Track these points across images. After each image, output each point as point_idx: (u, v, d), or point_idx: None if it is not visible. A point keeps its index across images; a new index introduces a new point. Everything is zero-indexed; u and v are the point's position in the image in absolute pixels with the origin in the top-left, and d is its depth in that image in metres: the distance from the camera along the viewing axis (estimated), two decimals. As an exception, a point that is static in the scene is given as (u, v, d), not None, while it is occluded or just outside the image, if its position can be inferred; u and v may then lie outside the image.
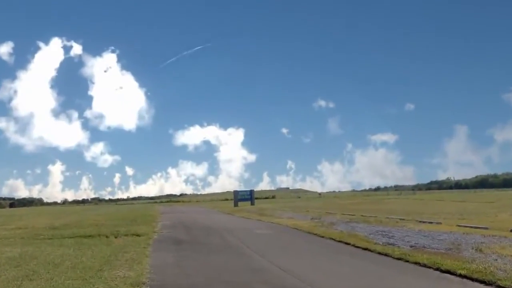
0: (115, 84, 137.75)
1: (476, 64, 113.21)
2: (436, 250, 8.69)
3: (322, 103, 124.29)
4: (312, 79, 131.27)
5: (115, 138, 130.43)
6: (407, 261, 7.75)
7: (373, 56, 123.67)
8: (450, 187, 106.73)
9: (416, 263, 7.53)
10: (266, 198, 75.60)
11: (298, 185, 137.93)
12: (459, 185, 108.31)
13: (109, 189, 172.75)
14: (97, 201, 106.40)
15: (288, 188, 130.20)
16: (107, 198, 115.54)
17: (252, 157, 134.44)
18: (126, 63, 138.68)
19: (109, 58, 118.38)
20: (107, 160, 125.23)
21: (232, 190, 46.63)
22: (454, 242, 9.43)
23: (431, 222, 14.07)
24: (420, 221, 14.51)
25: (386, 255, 8.47)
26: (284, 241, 11.55)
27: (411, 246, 9.28)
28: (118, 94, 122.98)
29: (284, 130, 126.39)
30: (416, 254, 8.22)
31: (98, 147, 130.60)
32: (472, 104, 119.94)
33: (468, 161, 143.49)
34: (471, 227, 12.27)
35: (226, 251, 9.86)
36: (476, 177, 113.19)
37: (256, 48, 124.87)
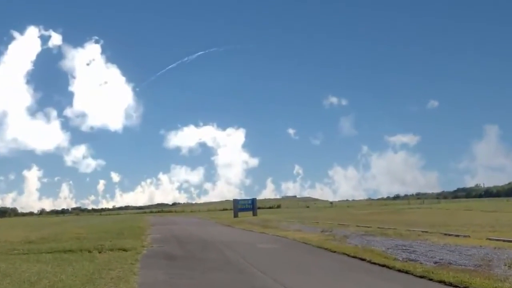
0: (99, 79, 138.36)
1: (509, 55, 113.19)
2: (464, 266, 8.66)
3: (334, 100, 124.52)
4: (322, 73, 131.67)
5: (99, 140, 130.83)
6: (431, 279, 7.72)
7: (391, 46, 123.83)
8: (480, 195, 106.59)
9: (440, 281, 7.50)
10: (270, 207, 75.71)
11: (306, 193, 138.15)
12: (489, 193, 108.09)
13: (92, 197, 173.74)
14: (79, 211, 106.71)
15: (295, 196, 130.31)
16: (90, 207, 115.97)
17: (254, 161, 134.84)
18: (112, 55, 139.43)
19: (92, 49, 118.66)
20: (90, 164, 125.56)
21: (232, 199, 46.75)
22: (484, 258, 9.40)
23: (458, 235, 14.03)
24: (445, 234, 14.47)
25: (406, 272, 8.45)
26: (291, 257, 11.54)
27: (435, 262, 9.25)
28: (103, 90, 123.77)
29: (291, 131, 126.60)
30: (441, 271, 8.19)
31: (80, 150, 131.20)
32: (504, 101, 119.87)
33: (499, 165, 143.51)
34: (504, 240, 12.22)
35: (225, 268, 9.85)
36: (509, 183, 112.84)
37: (259, 40, 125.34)
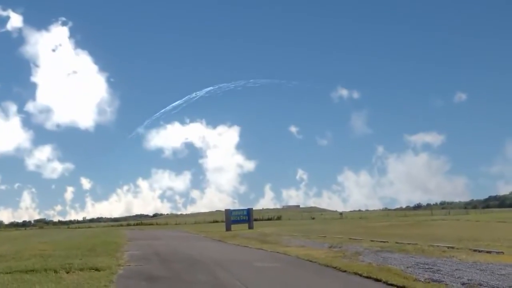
0: (67, 68, 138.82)
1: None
2: (497, 288, 8.70)
3: (344, 92, 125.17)
4: (329, 61, 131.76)
5: (67, 140, 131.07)
6: (458, 304, 7.76)
7: (411, 29, 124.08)
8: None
9: (470, 306, 7.54)
10: (269, 219, 75.74)
11: (311, 203, 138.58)
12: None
13: (58, 208, 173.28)
14: (43, 223, 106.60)
15: (298, 206, 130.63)
16: (56, 219, 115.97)
17: (250, 165, 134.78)
18: (82, 39, 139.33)
19: (59, 33, 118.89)
20: (56, 169, 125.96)
21: (223, 209, 46.76)
22: (520, 278, 9.44)
23: (489, 252, 14.09)
24: (474, 250, 14.53)
25: (429, 295, 8.48)
26: (294, 278, 11.55)
27: (463, 284, 9.29)
28: (71, 80, 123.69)
29: (293, 129, 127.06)
30: (470, 294, 8.22)
31: (44, 152, 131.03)
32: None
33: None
34: (544, 258, 12.28)
35: (216, 291, 9.85)
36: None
37: (257, 21, 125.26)
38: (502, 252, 13.88)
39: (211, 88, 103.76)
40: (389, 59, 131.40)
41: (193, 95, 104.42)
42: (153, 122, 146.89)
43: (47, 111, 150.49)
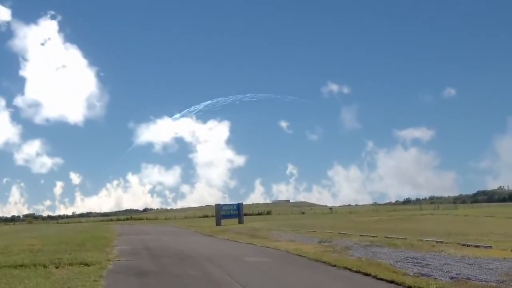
0: (56, 62, 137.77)
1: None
2: (485, 282, 8.76)
3: (334, 87, 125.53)
4: (320, 56, 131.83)
5: (56, 135, 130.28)
6: (446, 298, 7.82)
7: (401, 25, 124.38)
8: (504, 199, 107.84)
9: (458, 300, 7.60)
10: (259, 214, 75.91)
11: (301, 197, 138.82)
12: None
13: (47, 202, 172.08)
14: (32, 218, 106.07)
15: (288, 201, 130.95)
16: (45, 214, 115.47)
17: (240, 160, 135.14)
18: (71, 33, 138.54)
19: (48, 27, 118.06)
20: (46, 164, 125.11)
21: (213, 204, 46.78)
22: (508, 272, 9.52)
23: (478, 246, 14.20)
24: (463, 245, 14.63)
25: (418, 289, 8.54)
26: (284, 272, 11.57)
27: (451, 278, 9.35)
28: (60, 74, 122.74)
29: (283, 124, 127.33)
30: (458, 288, 8.29)
31: (33, 147, 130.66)
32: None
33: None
34: (531, 252, 12.40)
35: (207, 287, 9.86)
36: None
37: (246, 16, 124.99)
38: (490, 247, 13.98)
39: (209, 102, 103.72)
40: (379, 55, 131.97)
41: (192, 108, 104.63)
42: (143, 117, 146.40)
43: (36, 105, 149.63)
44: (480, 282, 8.78)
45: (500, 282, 8.69)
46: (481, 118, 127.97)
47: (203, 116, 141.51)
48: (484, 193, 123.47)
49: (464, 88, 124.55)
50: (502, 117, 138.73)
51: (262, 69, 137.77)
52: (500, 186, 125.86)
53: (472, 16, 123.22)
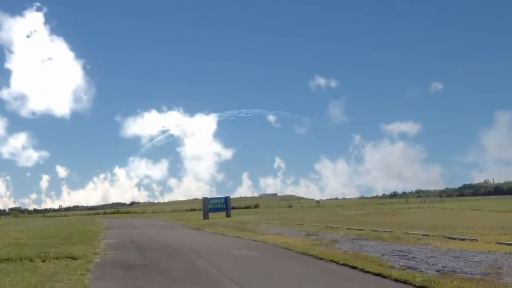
0: (42, 54, 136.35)
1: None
2: (470, 275, 8.85)
3: (321, 81, 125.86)
4: (307, 49, 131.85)
5: (42, 128, 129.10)
6: (432, 290, 7.88)
7: (388, 19, 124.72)
8: (489, 193, 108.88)
9: (443, 292, 7.67)
10: (246, 207, 75.95)
11: (289, 191, 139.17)
12: (500, 190, 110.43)
13: (34, 196, 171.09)
14: (18, 212, 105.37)
15: (275, 194, 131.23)
16: (31, 208, 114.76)
17: (227, 153, 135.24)
18: (57, 25, 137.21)
19: (34, 19, 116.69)
20: (32, 157, 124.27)
21: (201, 198, 46.73)
22: (493, 265, 9.62)
23: (463, 239, 14.33)
24: (449, 238, 14.75)
25: (404, 282, 8.60)
26: (271, 266, 11.61)
27: (437, 271, 9.44)
28: (46, 67, 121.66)
29: (271, 118, 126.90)
30: (444, 280, 8.37)
31: (19, 140, 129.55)
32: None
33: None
34: (515, 245, 12.52)
35: (194, 280, 9.86)
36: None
37: (234, 11, 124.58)
38: (476, 240, 14.11)
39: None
40: (367, 49, 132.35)
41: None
42: (130, 110, 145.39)
43: (22, 98, 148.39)
44: (466, 275, 8.87)
45: (485, 275, 8.78)
46: (467, 112, 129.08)
47: (191, 110, 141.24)
48: (470, 186, 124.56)
49: (450, 82, 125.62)
50: (489, 111, 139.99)
51: (249, 62, 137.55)
52: (486, 180, 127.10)
53: (459, 10, 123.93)
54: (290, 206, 78.39)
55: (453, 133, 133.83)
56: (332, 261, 11.40)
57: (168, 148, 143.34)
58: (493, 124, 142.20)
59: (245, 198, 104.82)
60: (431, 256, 11.12)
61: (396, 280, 8.82)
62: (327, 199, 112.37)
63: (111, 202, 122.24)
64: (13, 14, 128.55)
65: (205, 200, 42.11)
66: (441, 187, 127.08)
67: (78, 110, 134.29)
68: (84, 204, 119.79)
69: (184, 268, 11.27)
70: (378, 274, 9.44)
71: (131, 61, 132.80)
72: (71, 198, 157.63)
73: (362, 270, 10.01)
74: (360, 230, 18.83)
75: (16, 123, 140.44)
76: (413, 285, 8.32)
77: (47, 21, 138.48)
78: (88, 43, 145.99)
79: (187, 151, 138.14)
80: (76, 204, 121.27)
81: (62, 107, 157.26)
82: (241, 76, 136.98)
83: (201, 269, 11.05)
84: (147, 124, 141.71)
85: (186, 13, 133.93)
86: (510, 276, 8.56)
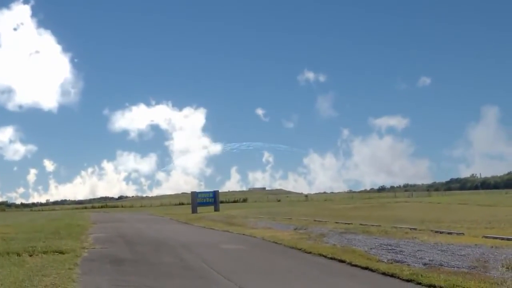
0: (29, 47, 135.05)
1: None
2: (457, 268, 8.93)
3: (310, 75, 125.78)
4: (296, 44, 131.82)
5: (29, 121, 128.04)
6: (419, 283, 7.94)
7: (376, 14, 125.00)
8: (476, 187, 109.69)
9: (430, 285, 7.72)
10: (235, 201, 75.96)
11: (277, 185, 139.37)
12: (487, 185, 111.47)
13: (21, 190, 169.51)
14: (5, 206, 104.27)
15: (264, 188, 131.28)
16: (18, 202, 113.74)
17: (216, 148, 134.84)
18: (45, 18, 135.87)
19: (20, 11, 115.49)
20: (19, 151, 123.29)
21: (189, 192, 46.76)
22: (479, 259, 9.71)
23: (450, 233, 14.45)
24: (436, 232, 14.86)
25: (392, 275, 8.66)
26: (259, 260, 11.65)
27: (424, 264, 9.52)
28: (33, 60, 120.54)
29: (259, 111, 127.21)
30: (431, 274, 8.43)
31: (6, 133, 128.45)
32: (505, 79, 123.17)
33: (498, 153, 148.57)
34: (502, 238, 12.63)
35: (183, 274, 9.87)
36: (509, 174, 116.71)
37: (223, 5, 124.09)
38: (463, 233, 14.23)
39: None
40: (355, 43, 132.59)
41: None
42: (119, 104, 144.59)
43: (8, 91, 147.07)
44: (452, 268, 8.95)
45: (472, 268, 8.87)
46: (455, 107, 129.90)
47: (179, 103, 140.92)
48: (457, 181, 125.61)
49: (438, 77, 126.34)
50: (476, 106, 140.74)
51: (238, 56, 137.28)
52: (473, 174, 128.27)
53: (448, 5, 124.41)
54: (279, 200, 78.50)
55: (441, 128, 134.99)
56: (320, 255, 11.46)
57: (156, 142, 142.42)
58: (480, 119, 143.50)
59: (234, 192, 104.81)
60: (418, 250, 11.20)
61: (383, 273, 8.89)
62: (316, 193, 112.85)
63: (99, 196, 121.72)
64: (0, 7, 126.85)
65: (194, 194, 42.03)
66: (428, 181, 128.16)
67: (66, 104, 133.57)
68: (72, 198, 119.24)
69: (173, 262, 11.26)
70: (366, 268, 9.50)
71: (119, 55, 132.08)
72: (58, 192, 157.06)
73: (350, 263, 10.06)
74: (348, 224, 18.92)
75: (3, 117, 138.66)
76: (400, 279, 8.38)
77: (34, 14, 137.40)
78: (76, 36, 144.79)
79: (176, 145, 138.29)
80: (63, 198, 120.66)
81: (49, 100, 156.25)
82: (230, 70, 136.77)
83: (190, 263, 11.06)
84: (135, 118, 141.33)
85: (174, 7, 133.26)
86: (496, 269, 8.65)
